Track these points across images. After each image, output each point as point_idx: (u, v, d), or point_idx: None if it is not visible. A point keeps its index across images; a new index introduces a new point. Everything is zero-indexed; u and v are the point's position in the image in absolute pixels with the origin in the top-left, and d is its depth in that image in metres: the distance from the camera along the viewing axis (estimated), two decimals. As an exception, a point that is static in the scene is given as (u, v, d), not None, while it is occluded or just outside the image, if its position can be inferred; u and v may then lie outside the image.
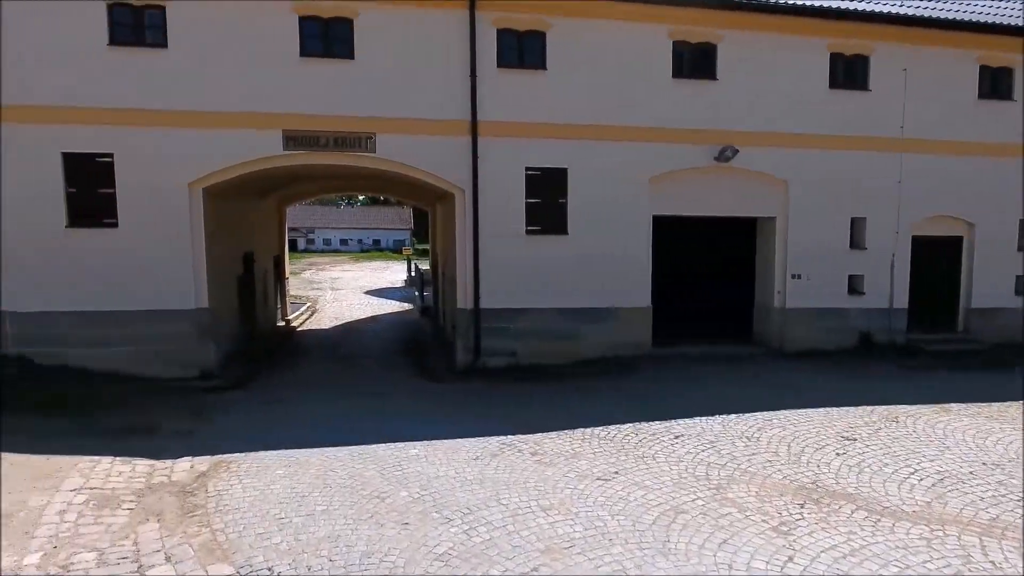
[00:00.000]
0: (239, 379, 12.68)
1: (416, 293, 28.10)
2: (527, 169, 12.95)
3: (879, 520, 6.51)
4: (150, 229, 11.83)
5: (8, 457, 7.86)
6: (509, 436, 9.03)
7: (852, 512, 6.68)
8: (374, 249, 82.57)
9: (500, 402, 10.87)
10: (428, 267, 33.31)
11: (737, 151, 13.27)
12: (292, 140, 12.10)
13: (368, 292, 33.49)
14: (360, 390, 12.04)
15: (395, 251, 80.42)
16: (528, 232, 13.09)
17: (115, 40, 11.53)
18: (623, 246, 13.42)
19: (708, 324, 15.05)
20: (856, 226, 14.45)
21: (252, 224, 16.94)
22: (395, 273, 46.53)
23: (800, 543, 6.03)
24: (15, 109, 11.31)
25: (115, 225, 11.79)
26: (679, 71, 13.26)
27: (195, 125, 11.77)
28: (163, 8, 11.56)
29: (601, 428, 9.33)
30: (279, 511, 6.69)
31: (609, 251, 13.34)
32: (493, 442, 8.81)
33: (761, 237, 14.87)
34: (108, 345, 11.89)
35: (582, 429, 9.31)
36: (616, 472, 7.71)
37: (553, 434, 9.12)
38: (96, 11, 11.38)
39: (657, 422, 9.55)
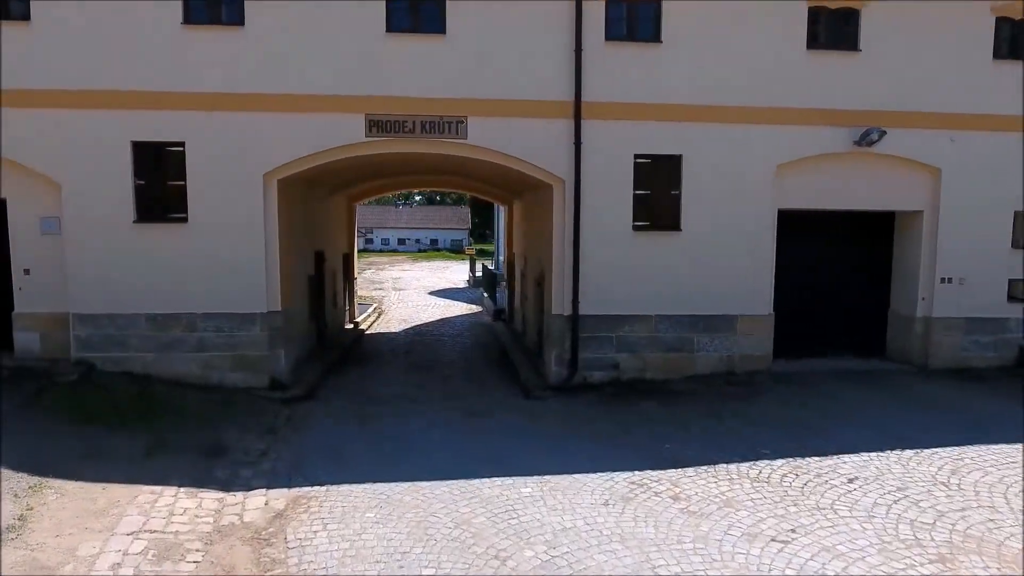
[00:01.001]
0: (311, 388, 11.52)
1: (484, 295, 26.80)
2: (636, 157, 11.34)
3: None
4: (222, 224, 10.77)
5: (62, 485, 6.77)
6: (636, 472, 7.48)
7: None
8: (431, 249, 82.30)
9: (611, 425, 9.30)
10: (494, 267, 32.06)
11: (884, 133, 11.32)
12: (375, 125, 10.84)
13: (432, 293, 32.45)
14: (445, 405, 10.67)
15: (453, 251, 79.97)
16: (635, 228, 11.47)
17: (190, 19, 10.49)
18: (743, 244, 11.65)
19: (831, 334, 13.10)
20: (1020, 222, 12.26)
21: (323, 221, 15.88)
22: (456, 273, 45.59)
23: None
24: (83, 94, 10.41)
25: (184, 220, 10.78)
26: (814, 41, 11.40)
27: (272, 109, 10.65)
28: (240, -18, 10.50)
29: (748, 464, 7.67)
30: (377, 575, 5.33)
31: (727, 250, 11.60)
32: (620, 480, 7.27)
33: (901, 234, 12.82)
34: (174, 350, 10.89)
35: (724, 465, 7.67)
36: (792, 530, 6.06)
37: (690, 471, 7.51)
38: (169, -13, 10.40)
39: (815, 458, 7.82)
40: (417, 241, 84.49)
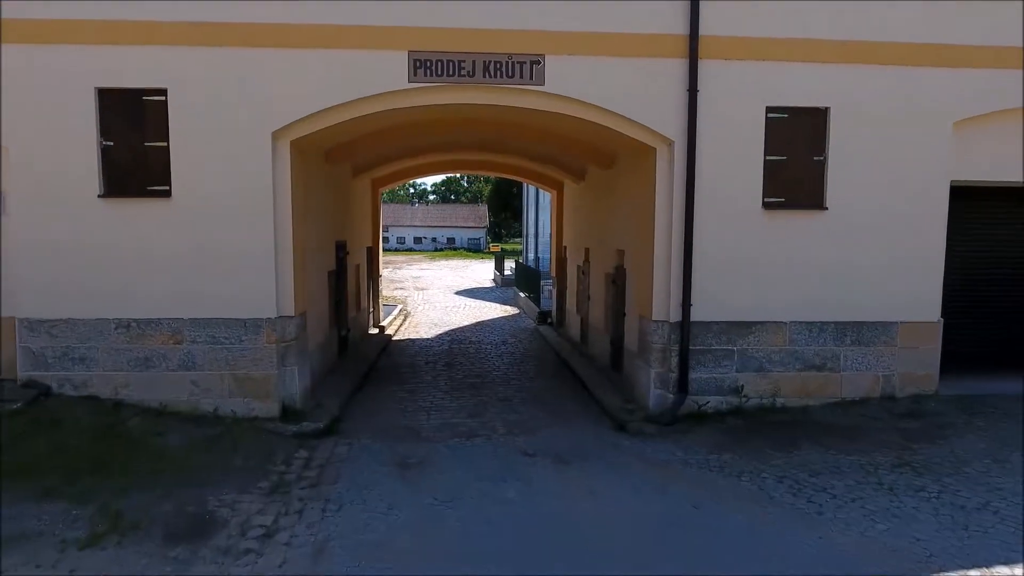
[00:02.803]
0: (334, 417, 8.76)
1: (522, 295, 23.98)
2: (768, 110, 8.50)
3: None
4: (217, 199, 8.07)
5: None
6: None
7: None
8: (448, 248, 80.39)
9: (771, 485, 6.44)
10: (524, 263, 29.25)
11: (1111, 76, 8.41)
12: (422, 67, 8.07)
13: (459, 293, 29.80)
14: (513, 445, 7.87)
15: (470, 250, 77.73)
16: (766, 206, 8.63)
17: (172, -73, 7.80)
18: (905, 227, 8.78)
19: (995, 345, 10.16)
20: None
21: (345, 205, 13.16)
22: (478, 272, 43.07)
23: None
24: (32, 25, 7.74)
25: (167, 194, 8.07)
26: (1009, -47, 8.53)
27: (283, 44, 7.93)
28: None
29: (1044, 569, 4.80)
30: None
31: (886, 235, 8.75)
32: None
33: (1100, 218, 9.87)
34: (154, 368, 8.19)
35: (1005, 570, 4.80)
36: None
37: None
38: None
39: None
40: (434, 240, 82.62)
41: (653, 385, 8.83)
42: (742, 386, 8.70)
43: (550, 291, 19.90)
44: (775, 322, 8.74)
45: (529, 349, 14.88)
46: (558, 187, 17.23)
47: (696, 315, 8.57)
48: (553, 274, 18.46)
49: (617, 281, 11.23)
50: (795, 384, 8.80)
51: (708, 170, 8.42)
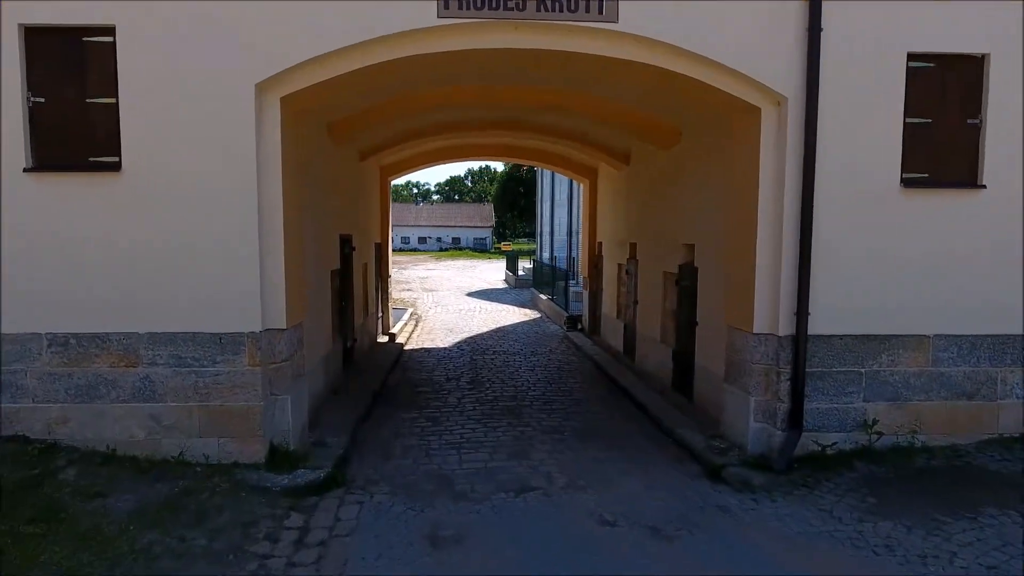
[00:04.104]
0: (339, 460, 6.72)
1: (543, 296, 21.94)
2: (909, 57, 6.46)
3: None
4: (182, 174, 6.06)
5: None
6: None
7: None
8: (453, 247, 78.79)
9: (970, 576, 4.42)
10: (540, 261, 27.27)
11: None
12: (454, -4, 6.06)
13: (471, 295, 27.88)
14: (589, 506, 5.83)
15: (476, 250, 75.93)
16: (905, 183, 6.59)
17: None
18: (1082, 214, 6.75)
19: None
20: None
21: (350, 194, 11.15)
22: (488, 272, 41.20)
23: None
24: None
25: (115, 167, 6.06)
26: None
27: (267, -35, 5.93)
28: None
29: None
30: None
31: (1057, 224, 6.71)
32: None
33: None
34: (100, 398, 6.19)
35: None
36: None
37: None
38: None
39: None
40: (439, 240, 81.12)
41: (752, 417, 6.79)
42: (874, 420, 6.65)
43: (576, 293, 17.94)
44: (914, 336, 6.70)
45: (564, 361, 12.84)
46: (591, 175, 15.21)
47: (812, 327, 6.53)
48: (584, 274, 16.43)
49: (683, 282, 9.22)
50: (939, 417, 6.76)
51: (831, 137, 6.38)
